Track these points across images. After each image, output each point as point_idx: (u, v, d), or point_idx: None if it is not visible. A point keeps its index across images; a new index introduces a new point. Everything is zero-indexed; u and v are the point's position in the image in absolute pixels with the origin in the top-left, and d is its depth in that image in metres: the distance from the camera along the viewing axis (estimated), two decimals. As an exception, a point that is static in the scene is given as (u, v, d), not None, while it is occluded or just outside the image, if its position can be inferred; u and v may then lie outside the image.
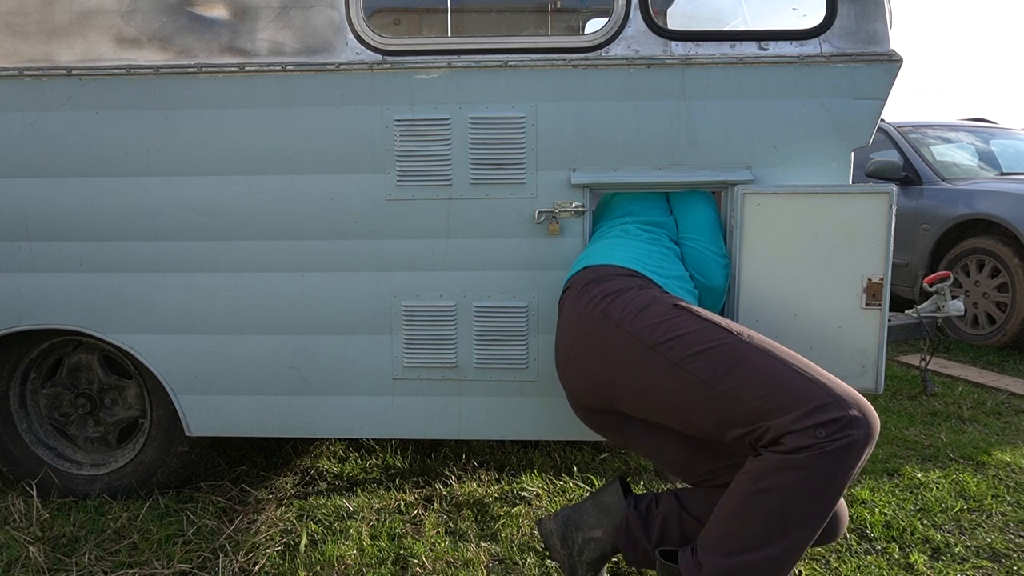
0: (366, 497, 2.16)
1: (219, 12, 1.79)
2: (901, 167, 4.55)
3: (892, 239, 1.68)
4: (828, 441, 1.22)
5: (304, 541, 1.88)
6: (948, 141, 4.99)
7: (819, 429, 1.22)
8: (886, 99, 1.73)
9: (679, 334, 1.37)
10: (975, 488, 2.21)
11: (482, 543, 1.89)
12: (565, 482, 2.24)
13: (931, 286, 2.30)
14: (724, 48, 1.74)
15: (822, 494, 1.24)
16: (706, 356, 1.34)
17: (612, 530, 1.57)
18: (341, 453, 2.54)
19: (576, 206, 1.81)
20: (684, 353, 1.35)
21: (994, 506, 2.11)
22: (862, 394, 1.49)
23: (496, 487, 2.22)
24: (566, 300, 1.60)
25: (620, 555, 1.82)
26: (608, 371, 1.45)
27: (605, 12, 2.90)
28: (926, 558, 1.82)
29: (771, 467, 1.25)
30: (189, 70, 1.80)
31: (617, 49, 1.75)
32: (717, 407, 1.31)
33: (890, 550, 1.86)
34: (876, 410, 2.97)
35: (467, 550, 1.85)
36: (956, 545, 1.88)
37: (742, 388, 1.29)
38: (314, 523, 2.00)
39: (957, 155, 4.89)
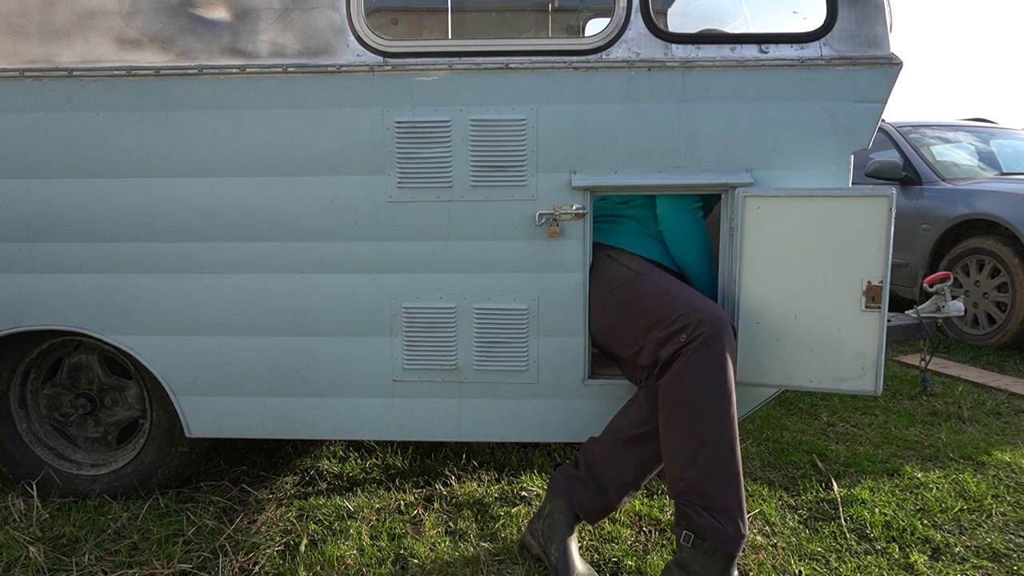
0: (366, 497, 2.16)
1: (220, 14, 1.79)
2: (901, 167, 4.55)
3: (892, 242, 1.68)
4: (689, 343, 1.57)
5: (304, 541, 1.89)
6: (948, 141, 4.99)
7: (680, 334, 1.58)
8: (886, 102, 1.73)
9: (615, 284, 1.81)
10: (975, 488, 2.22)
11: (482, 543, 1.89)
12: (565, 483, 2.25)
13: (931, 286, 2.30)
14: (725, 51, 1.74)
15: (712, 388, 1.55)
16: (618, 291, 1.78)
17: (555, 497, 1.78)
18: (341, 453, 2.54)
19: (576, 208, 1.81)
20: (606, 291, 1.81)
21: (994, 506, 2.11)
22: (862, 395, 1.60)
23: (496, 487, 2.23)
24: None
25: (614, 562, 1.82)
26: (594, 320, 1.89)
27: (606, 13, 2.90)
28: (926, 558, 1.82)
29: (666, 389, 1.58)
30: (190, 71, 1.80)
31: (618, 52, 1.75)
32: (625, 328, 1.73)
33: (890, 550, 1.87)
34: (876, 410, 2.99)
35: (467, 550, 1.85)
36: (956, 545, 1.89)
37: (638, 311, 1.70)
38: (314, 523, 2.00)
39: (957, 155, 4.89)
